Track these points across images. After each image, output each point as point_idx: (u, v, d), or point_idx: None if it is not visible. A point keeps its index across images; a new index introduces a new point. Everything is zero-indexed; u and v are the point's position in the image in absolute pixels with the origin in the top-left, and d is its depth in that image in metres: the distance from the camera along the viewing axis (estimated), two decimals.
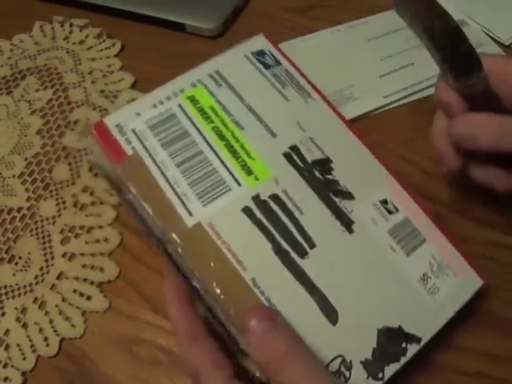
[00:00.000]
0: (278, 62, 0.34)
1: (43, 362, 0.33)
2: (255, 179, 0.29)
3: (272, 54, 0.34)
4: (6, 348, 0.34)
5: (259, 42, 0.35)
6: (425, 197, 0.31)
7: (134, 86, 0.46)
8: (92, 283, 0.36)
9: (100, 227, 0.38)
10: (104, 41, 0.50)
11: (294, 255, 0.28)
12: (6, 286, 0.36)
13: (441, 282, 0.29)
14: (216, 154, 0.30)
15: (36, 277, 0.36)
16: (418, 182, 0.38)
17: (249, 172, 0.29)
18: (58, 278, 0.36)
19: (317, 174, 0.30)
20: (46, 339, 0.34)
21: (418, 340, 0.28)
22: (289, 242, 0.28)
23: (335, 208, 0.30)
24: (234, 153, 0.30)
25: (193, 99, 0.31)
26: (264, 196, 0.29)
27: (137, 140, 0.29)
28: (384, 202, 0.31)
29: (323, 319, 0.27)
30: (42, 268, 0.37)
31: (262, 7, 0.53)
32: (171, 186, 0.28)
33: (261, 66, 0.34)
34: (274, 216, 0.28)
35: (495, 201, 0.37)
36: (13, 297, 0.36)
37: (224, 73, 0.33)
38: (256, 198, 0.29)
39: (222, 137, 0.30)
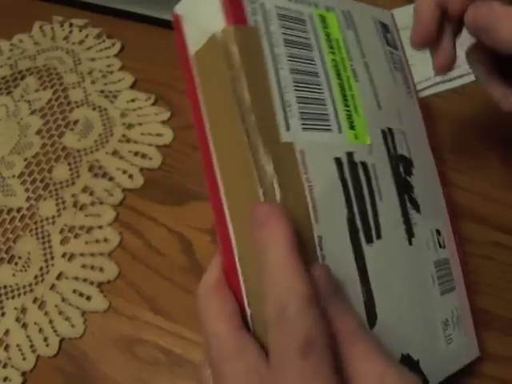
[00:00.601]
0: (396, 47, 0.32)
1: (43, 362, 0.33)
2: (355, 137, 0.26)
3: (394, 36, 0.32)
4: (6, 348, 0.34)
5: (387, 17, 0.32)
6: None
7: (133, 86, 0.46)
8: (92, 283, 0.36)
9: (100, 227, 0.38)
10: (104, 41, 0.50)
11: (361, 235, 0.24)
12: (5, 286, 0.36)
13: (455, 335, 0.28)
14: (329, 86, 0.26)
15: (36, 277, 0.36)
16: None
17: (351, 125, 0.26)
18: (58, 278, 0.36)
19: (401, 169, 0.28)
20: (45, 339, 0.34)
21: (426, 383, 0.25)
22: (362, 219, 0.25)
23: (405, 212, 0.27)
24: (344, 97, 0.26)
25: (324, 20, 0.27)
26: (357, 158, 0.25)
27: (263, 18, 0.24)
28: (438, 233, 0.29)
29: (363, 317, 0.23)
30: (41, 268, 0.37)
31: None
32: (279, 87, 0.23)
33: (383, 38, 0.31)
34: (358, 185, 0.25)
35: (495, 200, 0.37)
36: (12, 297, 0.36)
37: (354, 19, 0.29)
38: (350, 155, 0.25)
39: (338, 74, 0.26)
